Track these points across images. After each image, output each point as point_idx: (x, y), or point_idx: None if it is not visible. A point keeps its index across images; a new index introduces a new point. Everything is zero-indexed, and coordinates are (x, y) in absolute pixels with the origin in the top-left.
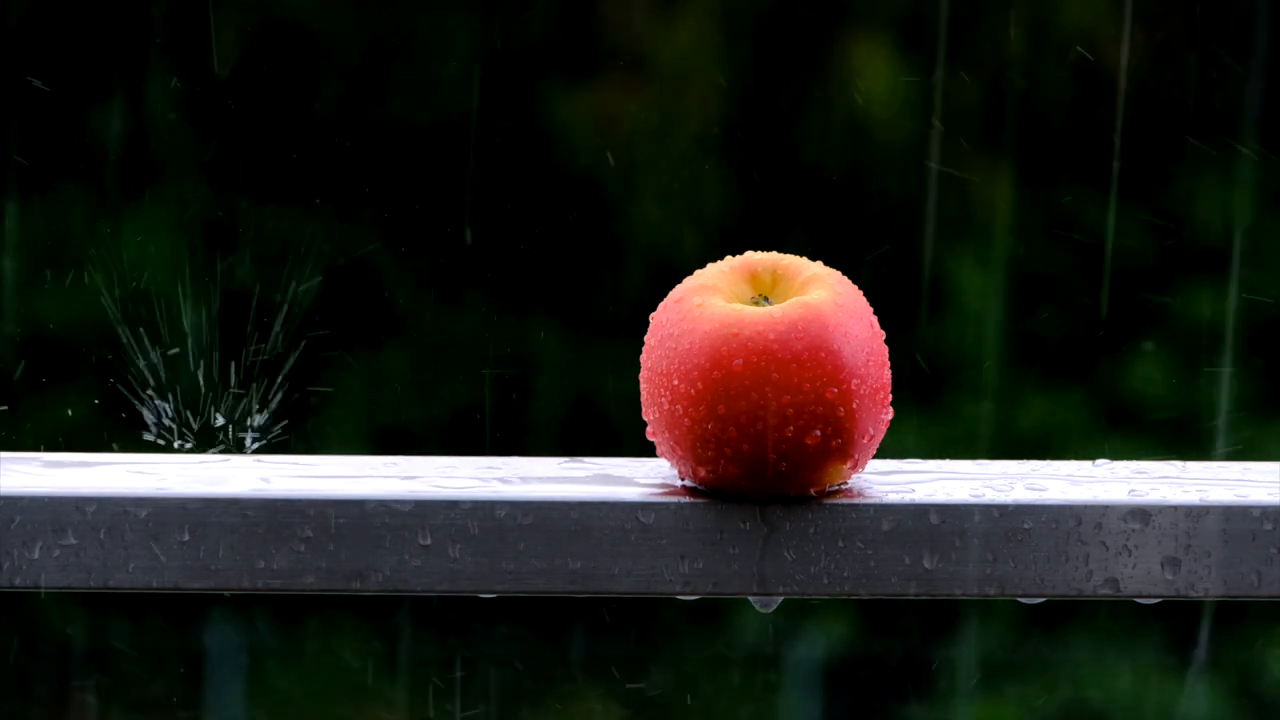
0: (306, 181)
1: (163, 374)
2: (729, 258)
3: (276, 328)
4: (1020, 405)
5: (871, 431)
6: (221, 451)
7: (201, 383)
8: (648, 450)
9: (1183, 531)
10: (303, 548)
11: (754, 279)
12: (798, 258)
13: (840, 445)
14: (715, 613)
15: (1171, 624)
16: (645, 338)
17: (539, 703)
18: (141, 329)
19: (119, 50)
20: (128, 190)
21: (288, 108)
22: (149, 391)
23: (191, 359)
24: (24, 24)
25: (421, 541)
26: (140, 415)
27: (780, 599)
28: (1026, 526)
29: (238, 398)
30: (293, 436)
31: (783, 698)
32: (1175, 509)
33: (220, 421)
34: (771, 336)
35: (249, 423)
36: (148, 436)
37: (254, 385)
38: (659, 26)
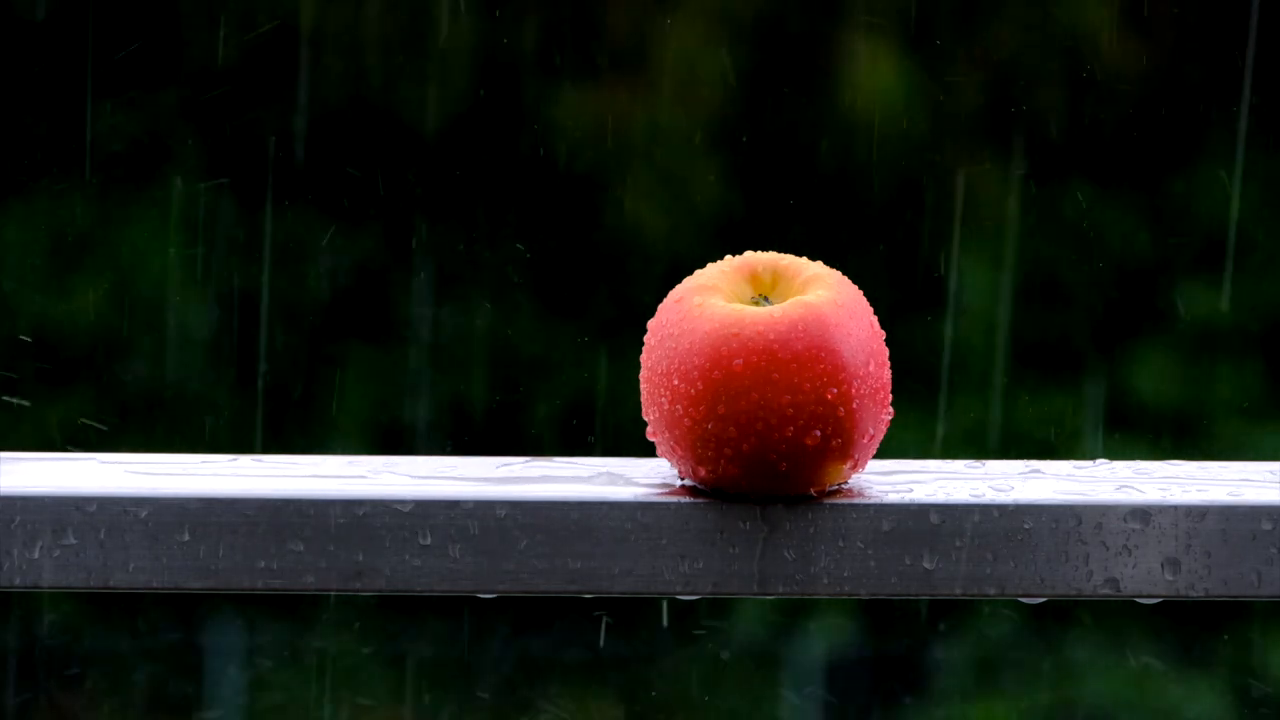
0: (307, 182)
1: (163, 374)
2: (729, 258)
3: (277, 327)
4: (1020, 405)
5: (871, 431)
6: (222, 451)
7: (202, 382)
8: (648, 450)
9: (1183, 531)
10: (303, 548)
11: (754, 279)
12: (798, 258)
13: (840, 445)
14: (715, 612)
15: (1172, 624)
16: (645, 337)
17: (539, 703)
18: (142, 329)
19: (122, 49)
20: (129, 190)
21: (290, 108)
22: (149, 391)
23: (192, 359)
24: (26, 23)
25: (421, 541)
26: (140, 415)
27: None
28: (1026, 526)
29: (238, 397)
30: (294, 436)
31: (783, 697)
32: (1175, 509)
33: (221, 421)
34: (772, 336)
35: (249, 422)
36: (148, 436)
37: (254, 385)
38: (659, 26)
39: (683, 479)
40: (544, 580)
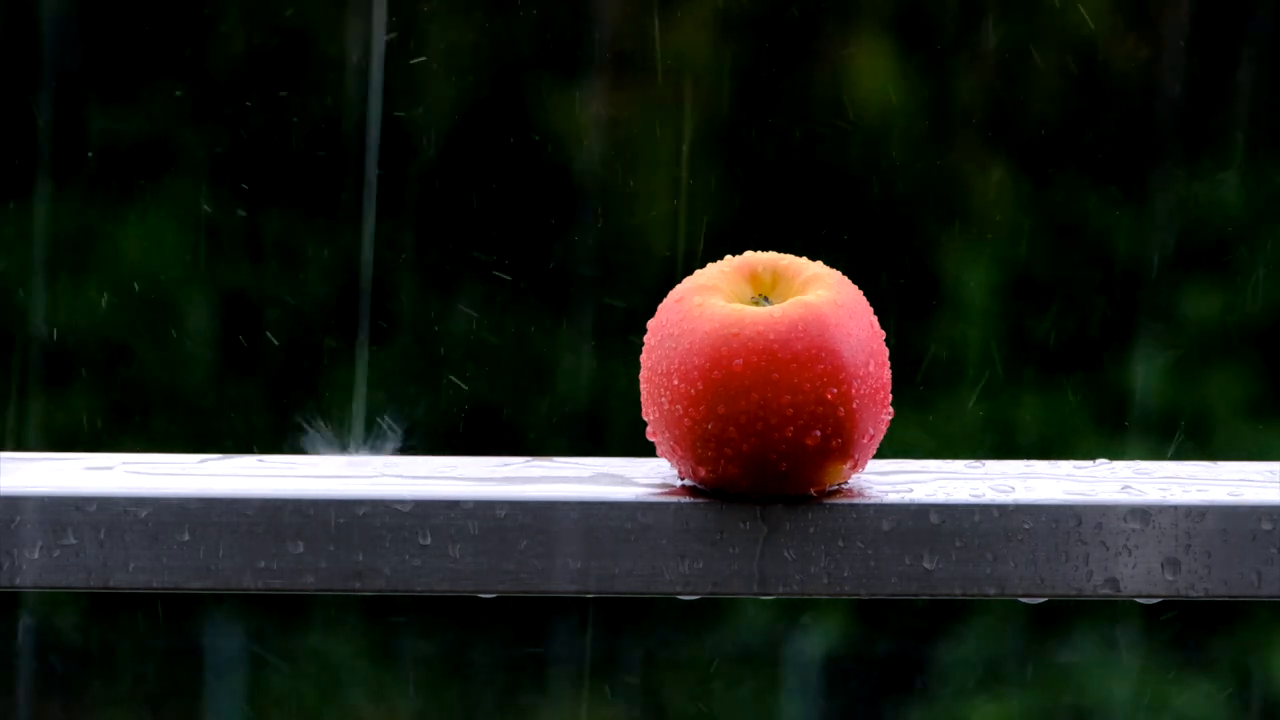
0: (308, 182)
1: (164, 374)
2: (729, 258)
3: (277, 327)
4: (1020, 405)
5: (871, 431)
6: (222, 451)
7: (202, 383)
8: (648, 450)
9: (1183, 531)
10: (303, 548)
11: (754, 279)
12: (798, 258)
13: (840, 445)
14: (714, 612)
15: (1172, 624)
16: (645, 337)
17: (538, 703)
18: (143, 328)
19: (122, 49)
20: (129, 190)
21: (290, 108)
22: (150, 391)
23: (192, 359)
24: (28, 23)
25: (421, 541)
26: (141, 415)
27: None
28: (1026, 526)
29: (238, 397)
30: (293, 436)
31: (782, 697)
32: (1175, 509)
33: (221, 421)
34: (772, 336)
35: (249, 422)
36: (148, 436)
37: (254, 385)
38: (658, 26)
39: (683, 479)
40: (544, 580)
